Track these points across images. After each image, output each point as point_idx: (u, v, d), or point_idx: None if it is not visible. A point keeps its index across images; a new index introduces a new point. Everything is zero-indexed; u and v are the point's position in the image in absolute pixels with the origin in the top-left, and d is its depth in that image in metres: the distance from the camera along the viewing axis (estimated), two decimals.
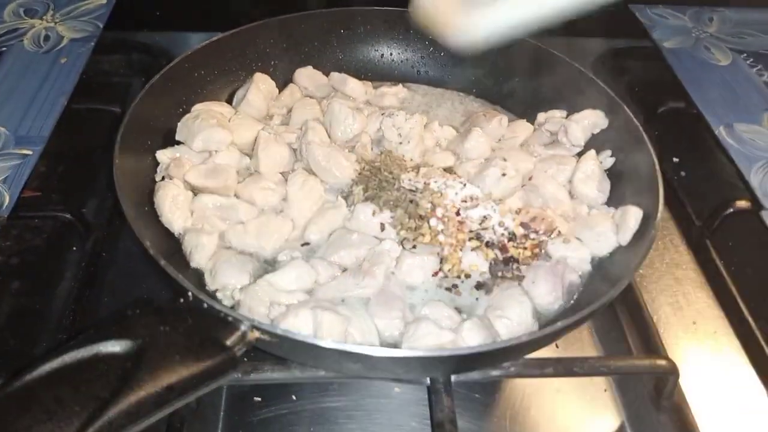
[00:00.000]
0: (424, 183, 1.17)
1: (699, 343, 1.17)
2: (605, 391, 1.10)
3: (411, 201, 1.14)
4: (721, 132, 1.53)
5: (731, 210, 1.35)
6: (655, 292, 1.25)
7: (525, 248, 1.12)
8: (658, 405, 1.06)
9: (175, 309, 0.83)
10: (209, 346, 0.78)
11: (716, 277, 1.27)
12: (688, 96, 1.62)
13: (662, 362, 1.04)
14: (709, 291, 1.26)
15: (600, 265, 1.13)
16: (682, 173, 1.45)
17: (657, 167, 1.13)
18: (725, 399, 1.08)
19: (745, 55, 1.80)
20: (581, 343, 1.16)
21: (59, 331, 1.10)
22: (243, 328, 0.83)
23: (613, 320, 1.18)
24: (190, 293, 0.85)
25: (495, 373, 0.97)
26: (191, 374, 0.74)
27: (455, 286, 1.07)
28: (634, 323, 1.17)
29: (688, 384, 1.06)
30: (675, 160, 1.48)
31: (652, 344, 1.11)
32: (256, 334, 0.84)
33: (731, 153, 1.48)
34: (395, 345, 0.98)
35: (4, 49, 1.58)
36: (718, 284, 1.26)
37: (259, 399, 1.05)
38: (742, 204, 1.36)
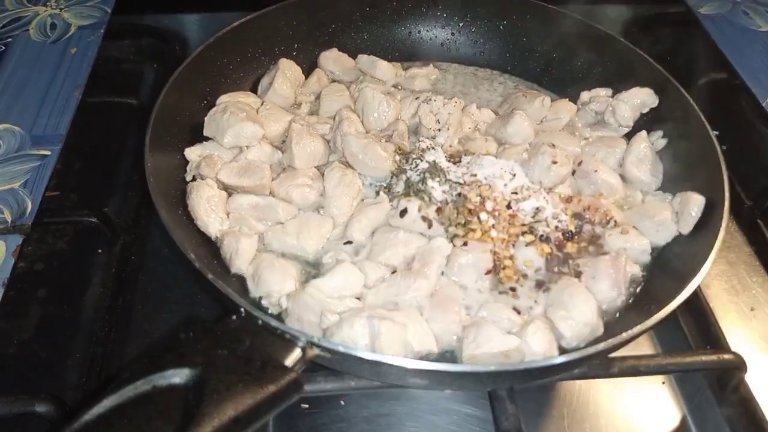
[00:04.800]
0: (471, 175, 1.10)
1: (759, 331, 1.13)
2: (663, 384, 1.05)
3: (459, 194, 1.07)
4: None
5: None
6: (709, 278, 1.19)
7: (579, 242, 1.06)
8: (721, 399, 1.03)
9: (229, 329, 0.77)
10: (271, 369, 0.73)
11: None
12: (730, 66, 1.53)
13: (728, 357, 1.00)
14: (765, 274, 1.21)
15: (658, 255, 1.08)
16: (723, 147, 1.39)
17: (719, 150, 1.07)
18: None
19: None
20: None
21: (93, 343, 1.04)
22: (300, 344, 0.78)
23: None
24: (242, 309, 0.80)
25: (559, 376, 0.93)
26: (256, 402, 0.69)
27: (513, 289, 1.01)
28: (690, 313, 1.12)
29: (752, 375, 1.02)
30: (715, 133, 1.41)
31: (712, 335, 1.07)
32: (315, 351, 0.79)
33: None
34: (453, 350, 0.94)
35: (9, 39, 1.48)
36: None
37: (307, 406, 1.00)
38: None
